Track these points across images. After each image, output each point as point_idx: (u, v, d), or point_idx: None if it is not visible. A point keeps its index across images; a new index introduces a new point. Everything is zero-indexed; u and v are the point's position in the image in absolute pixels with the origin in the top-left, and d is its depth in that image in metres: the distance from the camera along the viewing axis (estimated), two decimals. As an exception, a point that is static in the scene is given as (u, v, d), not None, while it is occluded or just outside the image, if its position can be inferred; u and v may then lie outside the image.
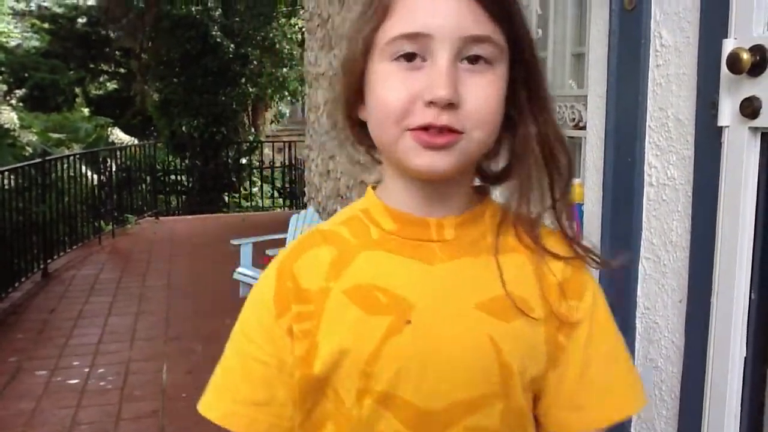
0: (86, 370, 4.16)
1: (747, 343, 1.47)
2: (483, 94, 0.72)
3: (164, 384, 3.82)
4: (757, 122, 1.37)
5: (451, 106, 0.70)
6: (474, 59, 0.72)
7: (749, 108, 1.37)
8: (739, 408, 1.49)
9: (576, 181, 2.13)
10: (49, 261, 6.77)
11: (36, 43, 18.12)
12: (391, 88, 0.73)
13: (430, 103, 0.70)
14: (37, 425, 3.45)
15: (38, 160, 7.14)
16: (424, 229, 0.79)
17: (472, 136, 0.73)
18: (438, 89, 0.70)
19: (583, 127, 2.14)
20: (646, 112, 1.72)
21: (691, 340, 1.61)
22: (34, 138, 10.08)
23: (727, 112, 1.44)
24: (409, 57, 0.72)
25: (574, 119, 2.77)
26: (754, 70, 1.36)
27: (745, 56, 1.35)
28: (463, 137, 0.72)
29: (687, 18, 1.58)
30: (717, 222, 1.48)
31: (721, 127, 1.45)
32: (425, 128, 0.71)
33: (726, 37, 1.42)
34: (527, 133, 0.79)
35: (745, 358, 1.47)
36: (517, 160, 0.81)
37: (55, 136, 10.86)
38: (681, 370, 1.65)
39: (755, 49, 1.35)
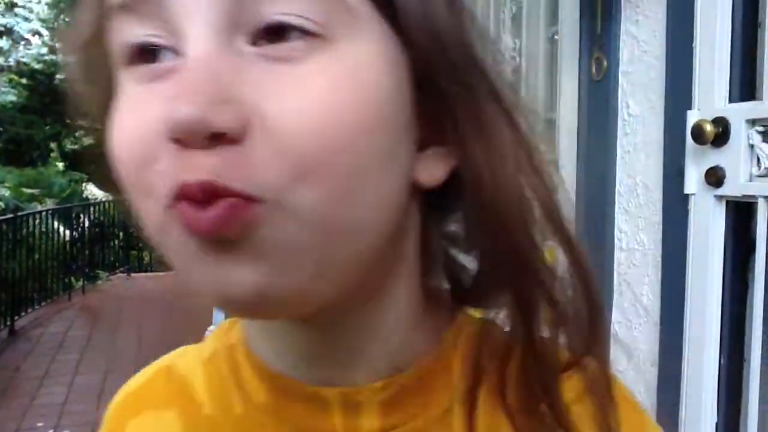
0: (51, 431, 4.03)
1: (718, 408, 1.48)
2: (302, 101, 0.32)
3: (131, 447, 3.72)
4: (721, 191, 1.42)
5: (221, 139, 0.31)
6: (275, 32, 0.32)
7: (714, 177, 1.42)
8: (712, 474, 1.49)
9: (549, 244, 2.15)
10: (16, 318, 6.63)
11: (13, 98, 18.13)
12: (119, 122, 0.35)
13: (176, 141, 0.31)
14: (-3, 490, 3.34)
15: (10, 215, 7.07)
16: (316, 408, 0.40)
17: (296, 203, 0.32)
18: (179, 104, 0.30)
19: (555, 192, 2.18)
20: (615, 178, 1.76)
21: (663, 405, 1.61)
22: (7, 193, 9.99)
23: (693, 181, 1.48)
24: (148, 53, 0.34)
25: (546, 183, 2.82)
26: (718, 141, 1.41)
27: (709, 128, 1.40)
28: (269, 211, 0.31)
29: (653, 89, 1.64)
30: (686, 287, 1.51)
31: (688, 194, 1.50)
32: (187, 195, 0.31)
33: (690, 109, 1.48)
34: (475, 195, 0.38)
35: (716, 423, 1.48)
36: (477, 248, 0.42)
37: (28, 191, 10.78)
38: (654, 434, 1.65)
39: (717, 121, 1.41)
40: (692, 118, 1.46)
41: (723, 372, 1.48)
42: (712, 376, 1.47)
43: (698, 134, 1.42)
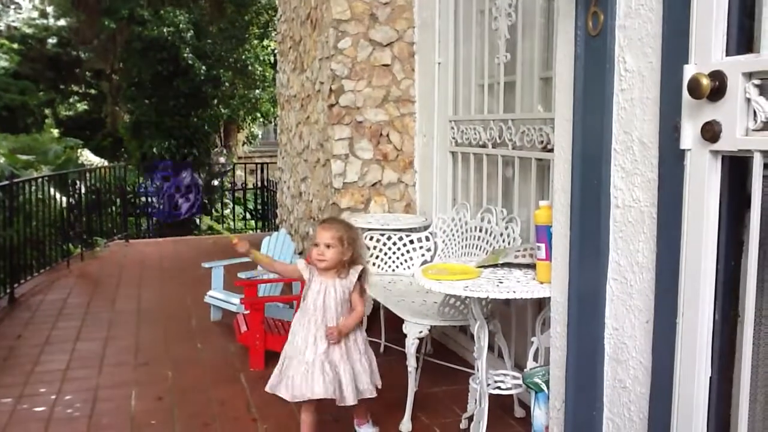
0: (53, 397, 4.06)
1: (712, 364, 1.48)
2: None
3: (133, 411, 3.74)
4: (717, 146, 1.40)
5: None
6: None
7: (710, 132, 1.40)
8: (705, 427, 1.50)
9: (544, 203, 2.15)
10: (15, 286, 6.63)
11: (5, 64, 17.90)
12: None
13: None
14: (1, 455, 3.37)
15: (5, 182, 7.02)
16: None
17: None
18: None
19: (551, 150, 2.16)
20: (611, 135, 1.74)
21: (659, 360, 1.62)
22: (2, 160, 9.93)
23: (689, 136, 1.46)
24: None
25: (542, 141, 2.81)
26: (714, 96, 1.39)
27: (705, 81, 1.38)
28: None
29: (649, 44, 1.61)
30: (681, 244, 1.50)
31: (684, 150, 1.48)
32: None
33: (687, 63, 1.45)
34: None
35: (711, 377, 1.49)
36: None
37: (24, 158, 10.70)
38: (649, 390, 1.66)
39: (714, 75, 1.38)
40: (689, 72, 1.43)
41: (717, 328, 1.48)
42: (706, 333, 1.47)
43: (694, 89, 1.40)
